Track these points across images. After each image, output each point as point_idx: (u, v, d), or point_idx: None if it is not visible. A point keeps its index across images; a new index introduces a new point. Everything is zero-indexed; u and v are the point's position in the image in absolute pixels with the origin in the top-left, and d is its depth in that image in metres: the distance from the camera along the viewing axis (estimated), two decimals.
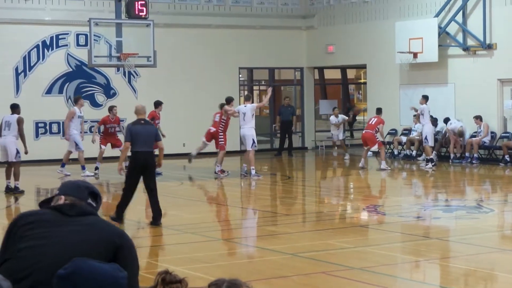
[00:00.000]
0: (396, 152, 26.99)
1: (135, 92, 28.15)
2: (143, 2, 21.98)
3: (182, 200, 18.11)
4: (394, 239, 13.15)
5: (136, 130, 14.11)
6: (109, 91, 28.06)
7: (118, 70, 27.34)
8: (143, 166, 13.97)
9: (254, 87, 38.55)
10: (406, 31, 26.55)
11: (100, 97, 27.92)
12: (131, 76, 28.20)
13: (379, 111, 24.63)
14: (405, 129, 27.27)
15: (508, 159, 23.92)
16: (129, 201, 14.23)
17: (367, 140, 24.19)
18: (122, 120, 24.24)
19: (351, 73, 39.37)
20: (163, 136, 19.75)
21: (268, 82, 33.97)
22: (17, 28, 26.51)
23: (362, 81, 39.00)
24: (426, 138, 24.13)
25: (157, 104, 23.15)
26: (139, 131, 14.07)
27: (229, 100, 22.84)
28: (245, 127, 22.11)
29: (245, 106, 22.44)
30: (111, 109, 23.50)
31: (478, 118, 24.68)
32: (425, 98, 24.59)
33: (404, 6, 27.80)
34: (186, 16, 29.10)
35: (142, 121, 14.40)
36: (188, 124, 28.14)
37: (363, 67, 31.18)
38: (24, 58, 26.89)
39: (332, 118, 28.72)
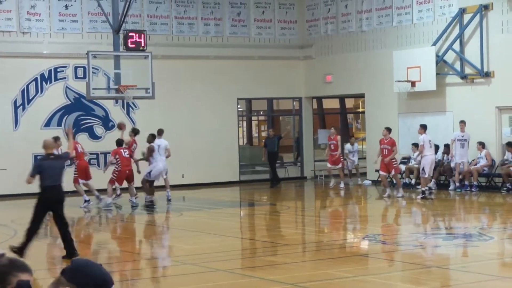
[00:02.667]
0: (394, 181, 26.93)
1: (134, 123, 28.15)
2: (141, 34, 22.10)
3: (181, 231, 18.05)
4: (394, 268, 13.10)
5: (46, 165, 14.19)
6: (108, 123, 28.09)
7: (116, 102, 27.41)
8: (54, 201, 14.08)
9: (253, 118, 38.64)
10: (404, 60, 26.63)
11: (99, 129, 27.95)
12: (130, 108, 28.25)
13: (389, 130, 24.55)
14: (404, 158, 27.25)
15: (510, 186, 23.89)
16: (34, 235, 14.09)
17: (388, 166, 24.17)
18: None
19: (349, 102, 39.48)
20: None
21: (266, 112, 34.03)
22: (15, 62, 26.58)
23: (360, 110, 39.06)
24: (423, 169, 23.49)
25: (135, 131, 23.78)
26: (49, 166, 14.14)
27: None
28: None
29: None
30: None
31: (481, 145, 24.70)
32: (423, 127, 23.72)
33: (401, 35, 27.91)
34: (184, 48, 29.19)
35: (52, 156, 14.49)
36: (187, 156, 28.16)
37: (362, 96, 31.25)
38: (23, 91, 26.94)
39: (348, 146, 29.32)
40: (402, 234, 17.08)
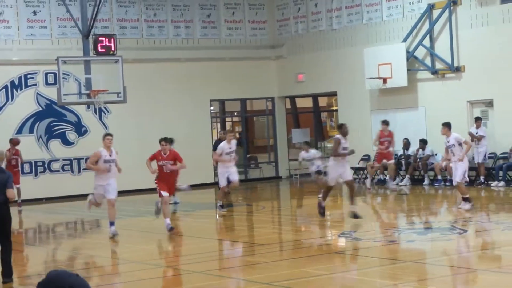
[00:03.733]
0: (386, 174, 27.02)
1: (106, 128, 28.02)
2: (111, 38, 22.00)
3: (156, 234, 17.98)
4: (370, 264, 13.10)
5: None
6: (80, 128, 27.96)
7: (88, 107, 27.30)
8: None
9: (227, 119, 38.57)
10: (375, 57, 26.74)
11: (71, 135, 27.82)
12: (102, 113, 28.13)
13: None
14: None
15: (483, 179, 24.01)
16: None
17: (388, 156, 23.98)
18: None
19: (323, 101, 39.52)
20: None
21: (240, 113, 34.00)
22: None
23: (334, 108, 39.16)
24: (462, 173, 19.25)
25: None
26: None
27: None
28: None
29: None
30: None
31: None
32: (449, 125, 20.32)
33: (371, 32, 28.01)
34: (154, 51, 29.13)
35: None
36: None
37: (334, 94, 31.32)
38: None
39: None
40: (377, 230, 17.10)
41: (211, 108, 31.41)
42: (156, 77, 29.08)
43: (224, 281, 12.44)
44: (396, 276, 11.70)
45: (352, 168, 25.97)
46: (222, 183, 21.22)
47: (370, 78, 26.70)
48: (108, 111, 28.06)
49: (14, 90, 27.13)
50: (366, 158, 27.90)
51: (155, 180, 17.59)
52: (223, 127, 37.60)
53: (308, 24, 30.46)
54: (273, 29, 31.69)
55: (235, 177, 21.16)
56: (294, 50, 31.14)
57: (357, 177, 27.81)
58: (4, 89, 26.99)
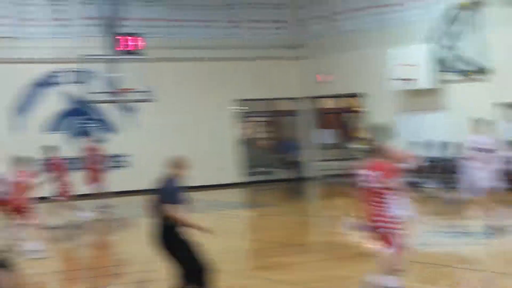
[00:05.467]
0: None
1: (132, 126, 28.14)
2: (136, 37, 22.02)
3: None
4: (404, 267, 12.95)
5: None
6: (107, 126, 28.00)
7: (114, 105, 27.29)
8: None
9: (251, 119, 38.53)
10: (400, 58, 26.52)
11: (97, 133, 27.84)
12: (129, 111, 28.11)
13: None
14: None
15: None
16: None
17: None
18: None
19: (347, 102, 39.36)
20: None
21: (265, 113, 33.92)
22: (10, 68, 26.41)
23: (357, 109, 38.96)
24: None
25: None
26: None
27: None
28: None
29: None
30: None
31: None
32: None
33: (397, 33, 27.78)
34: (179, 50, 29.10)
35: None
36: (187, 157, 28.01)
37: (358, 95, 31.16)
38: (19, 97, 26.83)
39: None
40: (421, 234, 16.93)
41: (235, 107, 31.33)
42: (180, 76, 29.08)
43: (254, 281, 12.37)
44: (434, 280, 11.55)
45: None
46: None
47: (395, 80, 26.51)
48: (133, 110, 28.01)
49: (40, 88, 27.17)
50: None
51: None
52: (248, 127, 37.48)
53: (331, 24, 30.33)
54: (295, 29, 31.60)
55: None
56: (317, 50, 31.00)
57: None
58: (29, 88, 27.03)
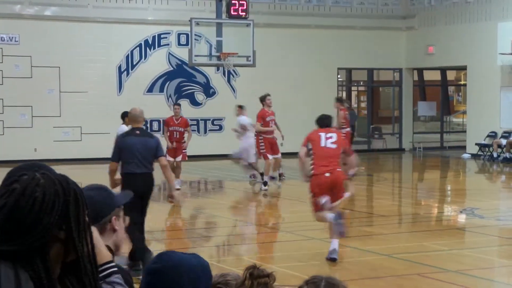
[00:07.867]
0: (495, 155, 26.58)
1: (234, 91, 28.49)
2: (244, 2, 22.22)
3: (279, 200, 18.25)
4: (492, 242, 13.00)
5: (128, 144, 10.55)
6: (208, 90, 28.47)
7: (217, 69, 27.70)
8: (139, 194, 9.59)
9: (353, 88, 38.48)
10: (509, 32, 26.10)
11: (199, 96, 28.36)
12: (231, 76, 28.53)
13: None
14: (505, 132, 26.83)
15: None
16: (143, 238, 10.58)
17: None
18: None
19: (451, 75, 38.90)
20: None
21: (366, 82, 33.87)
22: (121, 28, 27.14)
23: (462, 83, 38.48)
24: None
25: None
26: (133, 145, 10.49)
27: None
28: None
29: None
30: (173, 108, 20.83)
31: None
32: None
33: (507, 6, 27.29)
34: (285, 16, 29.26)
35: (138, 131, 10.67)
36: (286, 124, 28.21)
37: (464, 68, 30.79)
38: (127, 57, 27.51)
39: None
40: (500, 209, 16.88)
41: (338, 76, 31.37)
42: (285, 42, 29.21)
43: (342, 249, 12.59)
44: None
45: (477, 144, 25.64)
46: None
47: (503, 54, 26.11)
48: (236, 74, 28.43)
49: (148, 49, 27.81)
50: (493, 135, 27.39)
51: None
52: (349, 96, 37.55)
53: None
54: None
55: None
56: (426, 22, 30.70)
57: (482, 153, 27.36)
58: (138, 48, 27.68)
